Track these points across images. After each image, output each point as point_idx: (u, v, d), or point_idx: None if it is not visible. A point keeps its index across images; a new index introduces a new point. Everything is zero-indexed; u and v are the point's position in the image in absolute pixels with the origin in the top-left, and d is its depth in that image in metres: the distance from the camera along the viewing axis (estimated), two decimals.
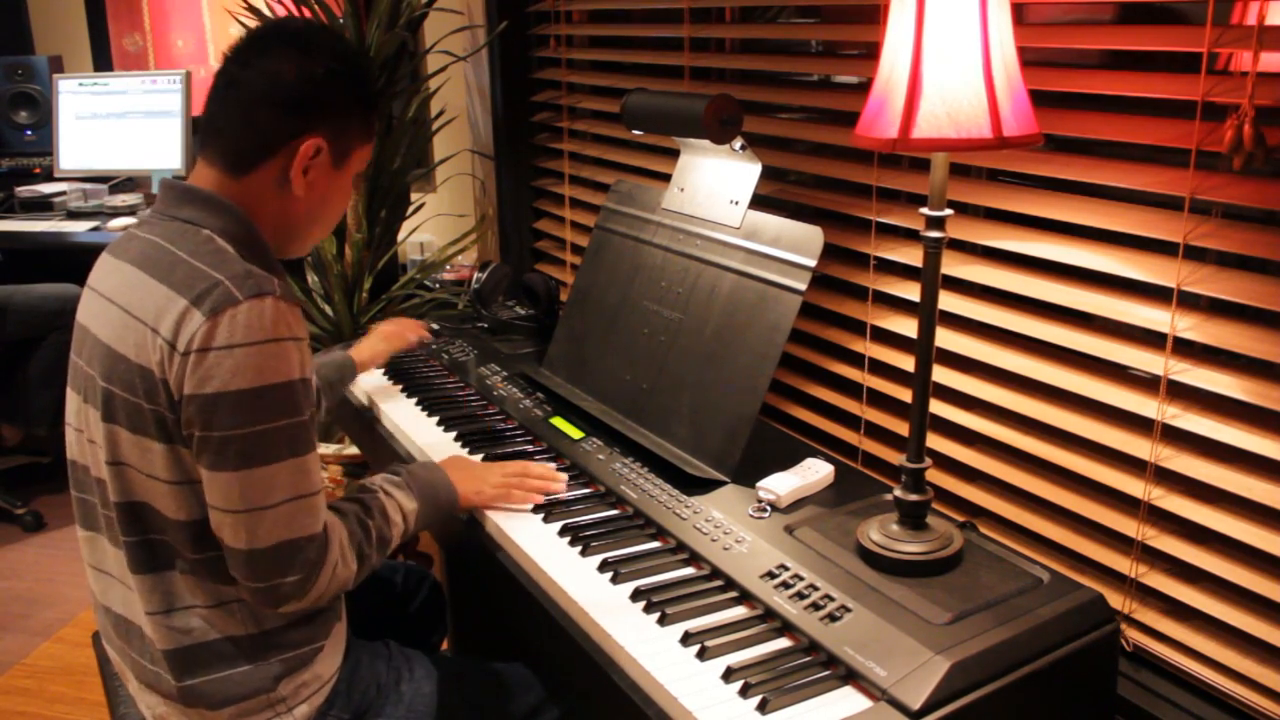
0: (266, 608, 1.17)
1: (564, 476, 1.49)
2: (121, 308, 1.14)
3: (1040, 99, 1.31)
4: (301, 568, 1.13)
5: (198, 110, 2.91)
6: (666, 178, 1.81)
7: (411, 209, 2.85)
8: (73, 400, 1.23)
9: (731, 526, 1.34)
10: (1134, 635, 1.39)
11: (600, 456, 1.57)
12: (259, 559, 1.12)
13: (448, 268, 2.89)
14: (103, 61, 3.88)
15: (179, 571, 1.16)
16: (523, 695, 1.39)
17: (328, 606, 1.25)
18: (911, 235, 1.65)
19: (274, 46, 1.18)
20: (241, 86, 1.17)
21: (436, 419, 1.75)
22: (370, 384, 1.93)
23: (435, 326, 2.21)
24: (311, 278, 2.75)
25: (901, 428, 1.66)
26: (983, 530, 1.38)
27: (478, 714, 1.36)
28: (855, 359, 1.75)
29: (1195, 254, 1.28)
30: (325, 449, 2.53)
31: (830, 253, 1.67)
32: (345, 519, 1.22)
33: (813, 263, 1.45)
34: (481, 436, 1.68)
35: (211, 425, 1.08)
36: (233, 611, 1.18)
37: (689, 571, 1.29)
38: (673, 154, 1.83)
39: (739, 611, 1.21)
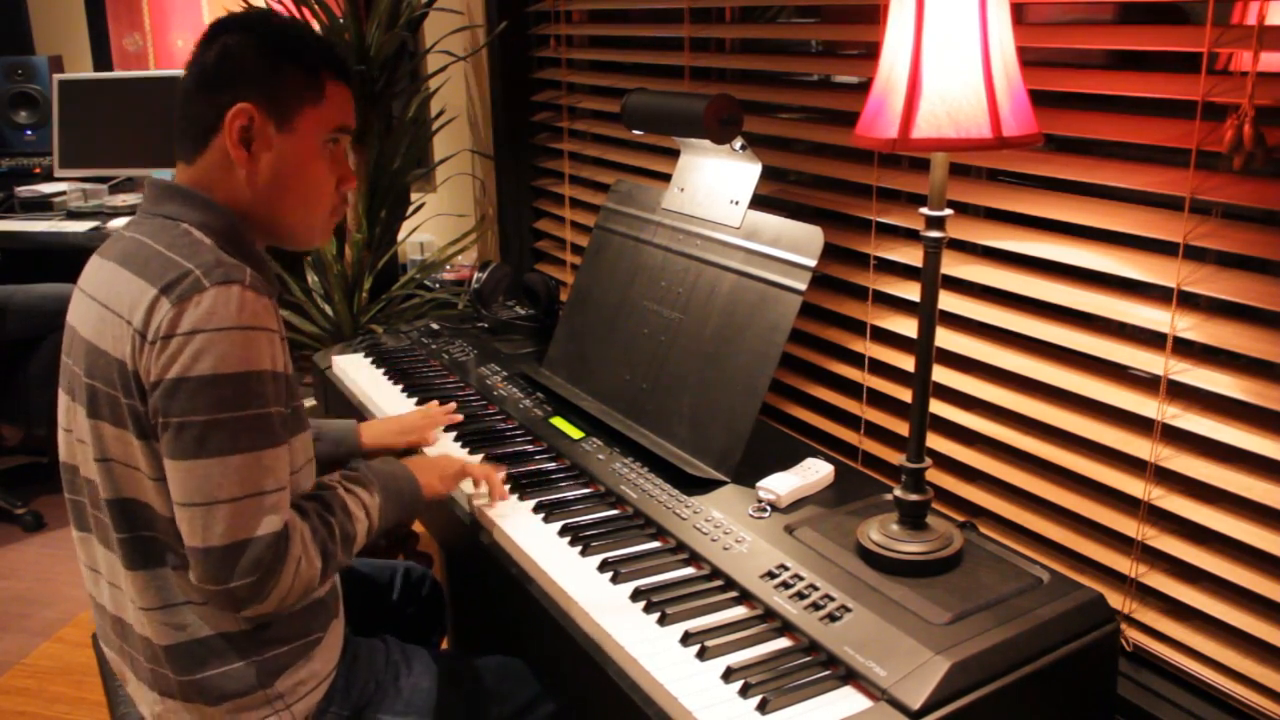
0: (227, 611, 1.15)
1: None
2: (101, 303, 1.15)
3: (1040, 99, 1.31)
4: (255, 569, 1.09)
5: None
6: (666, 178, 1.81)
7: (411, 209, 2.85)
8: (63, 401, 1.23)
9: (731, 526, 1.34)
10: (1134, 635, 1.39)
11: (600, 456, 1.57)
12: (213, 558, 1.08)
13: (448, 268, 2.89)
14: (103, 61, 3.88)
15: (171, 567, 1.16)
16: (520, 689, 1.39)
17: (324, 602, 1.25)
18: (911, 235, 1.65)
19: (210, 40, 1.20)
20: (182, 84, 1.20)
21: None
22: (369, 383, 1.93)
23: (436, 326, 2.21)
24: (311, 278, 2.75)
25: (901, 428, 1.66)
26: (983, 530, 1.38)
27: (476, 709, 1.35)
28: (855, 359, 1.75)
29: (1195, 254, 1.28)
30: None
31: (830, 253, 1.67)
32: (307, 517, 1.18)
33: (813, 263, 1.45)
34: (481, 436, 1.68)
35: (170, 410, 1.07)
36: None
37: (689, 571, 1.29)
38: (673, 154, 1.83)
39: (739, 611, 1.21)
